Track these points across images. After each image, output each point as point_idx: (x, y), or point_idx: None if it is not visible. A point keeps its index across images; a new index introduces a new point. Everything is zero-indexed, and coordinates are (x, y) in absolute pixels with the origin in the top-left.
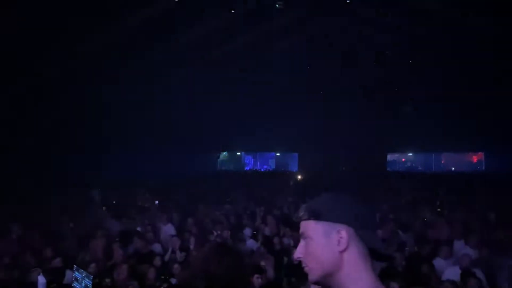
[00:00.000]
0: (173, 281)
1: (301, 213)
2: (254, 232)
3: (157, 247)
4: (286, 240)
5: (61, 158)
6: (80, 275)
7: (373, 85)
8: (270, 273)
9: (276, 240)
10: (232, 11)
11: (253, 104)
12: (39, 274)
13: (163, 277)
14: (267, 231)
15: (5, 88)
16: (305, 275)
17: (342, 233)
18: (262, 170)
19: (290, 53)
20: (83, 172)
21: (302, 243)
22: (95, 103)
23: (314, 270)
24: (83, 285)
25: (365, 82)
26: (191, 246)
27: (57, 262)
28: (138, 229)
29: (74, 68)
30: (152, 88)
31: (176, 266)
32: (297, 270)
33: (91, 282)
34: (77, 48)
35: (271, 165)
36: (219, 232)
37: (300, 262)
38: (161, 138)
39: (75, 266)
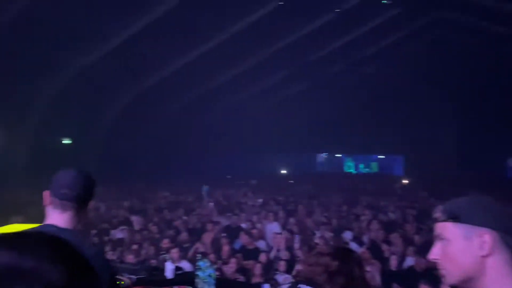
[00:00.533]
0: (279, 278)
1: (438, 214)
2: (356, 236)
3: (261, 244)
4: (393, 248)
5: (175, 158)
6: (204, 264)
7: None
8: (377, 279)
9: (385, 246)
10: (337, 11)
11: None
12: (167, 261)
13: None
14: (371, 236)
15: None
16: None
17: (485, 237)
18: (363, 172)
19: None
20: (192, 170)
21: (438, 245)
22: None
23: (451, 273)
24: (207, 273)
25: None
26: (296, 245)
27: (175, 252)
28: (243, 225)
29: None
30: (252, 90)
31: (282, 263)
32: (404, 280)
33: (214, 272)
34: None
35: (373, 168)
36: (321, 233)
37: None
38: (266, 140)
39: (199, 255)
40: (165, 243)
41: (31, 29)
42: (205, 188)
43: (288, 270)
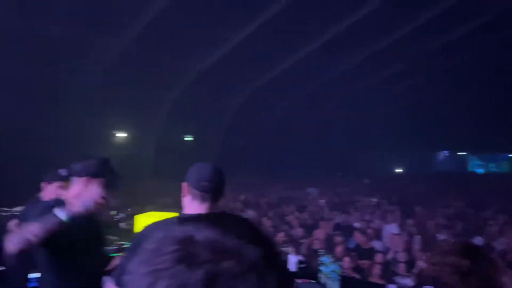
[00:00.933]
0: (401, 280)
1: None
2: (487, 243)
3: (377, 244)
4: None
5: (288, 154)
6: (327, 259)
7: None
8: None
9: None
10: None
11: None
12: (289, 253)
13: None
14: (503, 242)
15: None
16: None
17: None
18: (490, 172)
19: None
20: (304, 166)
21: None
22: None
23: None
24: (330, 269)
25: None
26: (416, 247)
27: (289, 247)
28: (356, 224)
29: None
30: (364, 85)
31: (401, 265)
32: None
33: (339, 267)
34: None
35: (503, 167)
36: (444, 237)
37: None
38: (379, 137)
39: (322, 250)
40: (281, 236)
41: (154, 41)
42: (313, 189)
43: (407, 273)
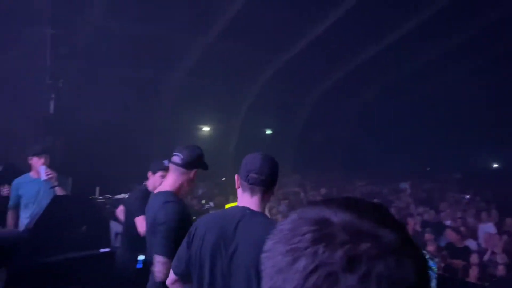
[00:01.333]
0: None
1: None
2: None
3: (471, 244)
4: None
5: (371, 148)
6: (434, 265)
7: None
8: None
9: None
10: None
11: None
12: None
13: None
14: None
15: None
16: None
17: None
18: None
19: None
20: (389, 160)
21: None
22: None
23: None
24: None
25: None
26: None
27: None
28: (447, 222)
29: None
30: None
31: (500, 267)
32: None
33: (436, 265)
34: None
35: None
36: None
37: None
38: (473, 130)
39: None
40: None
41: (237, 36)
42: (402, 184)
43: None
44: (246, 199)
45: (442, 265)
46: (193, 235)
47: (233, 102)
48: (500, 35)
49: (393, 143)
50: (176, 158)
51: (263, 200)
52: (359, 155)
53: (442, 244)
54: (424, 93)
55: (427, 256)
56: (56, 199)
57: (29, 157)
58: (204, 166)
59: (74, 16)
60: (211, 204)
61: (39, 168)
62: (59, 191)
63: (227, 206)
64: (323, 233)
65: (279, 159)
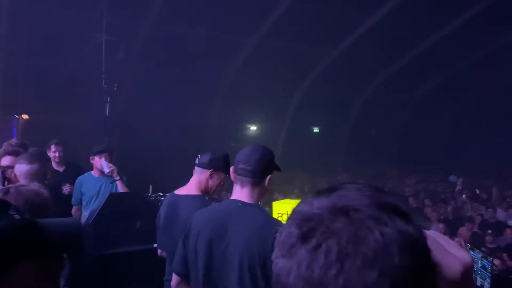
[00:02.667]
0: None
1: None
2: None
3: None
4: None
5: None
6: (476, 255)
7: None
8: None
9: None
10: None
11: None
12: None
13: None
14: None
15: None
16: None
17: None
18: None
19: None
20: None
21: None
22: None
23: None
24: (479, 265)
25: None
26: None
27: None
28: (509, 222)
29: None
30: None
31: None
32: None
33: (490, 264)
34: None
35: None
36: None
37: None
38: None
39: (468, 244)
40: None
41: (285, 32)
42: (453, 177)
43: None
44: (237, 192)
45: (503, 267)
46: (188, 232)
47: (281, 100)
48: None
49: (451, 139)
50: (202, 161)
51: (254, 191)
52: (414, 151)
53: (502, 245)
54: (484, 86)
55: (479, 255)
56: (112, 196)
57: (91, 157)
58: (223, 169)
59: (129, 22)
60: (259, 203)
61: (101, 163)
62: (120, 186)
63: (276, 203)
64: (300, 214)
65: (328, 157)
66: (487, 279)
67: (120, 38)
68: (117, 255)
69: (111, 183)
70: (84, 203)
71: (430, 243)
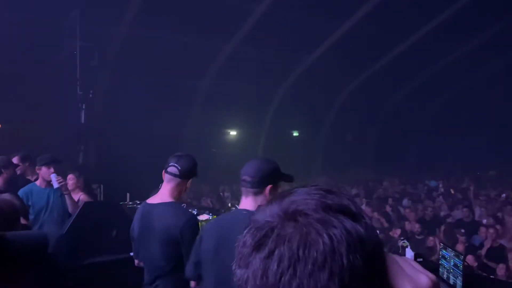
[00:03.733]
0: None
1: None
2: None
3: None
4: None
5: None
6: (448, 254)
7: None
8: None
9: None
10: None
11: None
12: (407, 247)
13: None
14: None
15: None
16: None
17: None
18: None
19: None
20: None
21: None
22: None
23: None
24: (452, 263)
25: None
26: None
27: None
28: (483, 221)
29: None
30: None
31: None
32: None
33: (462, 262)
34: None
35: None
36: None
37: None
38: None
39: (442, 244)
40: (397, 232)
41: (261, 39)
42: (433, 182)
43: None
44: (243, 201)
45: (476, 264)
46: (201, 240)
47: (260, 106)
48: None
49: (425, 142)
50: (173, 169)
51: (257, 200)
52: (391, 155)
53: (476, 243)
54: (457, 90)
55: (451, 254)
56: (87, 204)
57: (37, 167)
58: (196, 175)
59: (103, 28)
60: (237, 206)
61: (51, 176)
62: (69, 201)
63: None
64: (253, 223)
65: (308, 161)
66: (459, 277)
67: (95, 44)
68: (93, 265)
69: (60, 196)
70: (31, 216)
71: (390, 264)
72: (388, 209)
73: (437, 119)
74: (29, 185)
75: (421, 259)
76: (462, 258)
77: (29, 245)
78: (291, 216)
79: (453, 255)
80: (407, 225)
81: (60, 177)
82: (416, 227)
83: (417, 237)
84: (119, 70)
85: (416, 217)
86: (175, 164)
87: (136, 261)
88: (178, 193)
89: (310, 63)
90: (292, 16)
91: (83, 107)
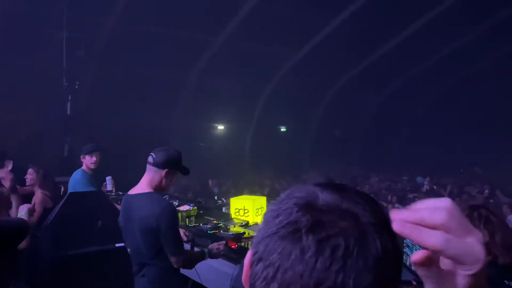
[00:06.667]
0: None
1: None
2: None
3: None
4: None
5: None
6: (411, 242)
7: None
8: None
9: None
10: None
11: None
12: None
13: None
14: None
15: None
16: None
17: None
18: None
19: None
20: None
21: None
22: None
23: None
24: (414, 250)
25: None
26: None
27: None
28: None
29: None
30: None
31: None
32: None
33: (420, 249)
34: None
35: None
36: None
37: None
38: (493, 120)
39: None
40: None
41: (251, 34)
42: (419, 178)
43: None
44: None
45: None
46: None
47: (248, 101)
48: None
49: (414, 138)
50: (149, 158)
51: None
52: (378, 150)
53: None
54: (444, 86)
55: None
56: (72, 195)
57: (82, 156)
58: (178, 168)
59: (91, 19)
60: (223, 200)
61: (106, 178)
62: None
63: (233, 199)
64: (304, 201)
65: (295, 156)
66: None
67: (82, 35)
68: (78, 256)
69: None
70: None
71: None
72: None
73: (423, 117)
74: (78, 171)
75: None
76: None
77: (12, 228)
78: (348, 211)
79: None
80: None
81: (113, 182)
82: None
83: None
84: (107, 62)
85: None
86: (152, 154)
87: (129, 250)
88: (157, 184)
89: (298, 59)
90: (281, 12)
91: (69, 98)
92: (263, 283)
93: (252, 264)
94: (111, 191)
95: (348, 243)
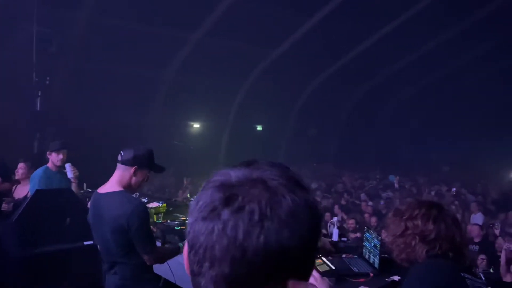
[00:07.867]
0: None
1: None
2: None
3: None
4: None
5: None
6: (370, 236)
7: None
8: None
9: None
10: None
11: None
12: (334, 226)
13: None
14: None
15: None
16: None
17: None
18: None
19: None
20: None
21: None
22: None
23: None
24: (372, 244)
25: None
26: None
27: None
28: None
29: None
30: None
31: (482, 257)
32: None
33: (379, 243)
34: None
35: None
36: None
37: None
38: (465, 123)
39: (365, 227)
40: (351, 223)
41: (227, 31)
42: (391, 177)
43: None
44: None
45: None
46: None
47: (224, 99)
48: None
49: (387, 137)
50: (119, 156)
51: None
52: (353, 149)
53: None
54: (418, 86)
55: (372, 235)
56: (39, 192)
57: (48, 152)
58: (148, 165)
59: (62, 14)
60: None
61: (65, 166)
62: (74, 188)
63: None
64: (219, 183)
65: (271, 155)
66: (377, 256)
67: (53, 29)
68: (45, 254)
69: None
70: None
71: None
72: (343, 202)
73: (397, 115)
74: (42, 168)
75: (345, 239)
76: (380, 239)
77: None
78: (258, 179)
79: (374, 236)
80: (366, 218)
81: (74, 168)
82: (373, 220)
83: (373, 230)
84: (80, 58)
85: (372, 211)
86: (121, 152)
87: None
88: (127, 182)
89: (275, 58)
90: (258, 9)
91: (39, 94)
92: (197, 266)
93: (189, 253)
94: (72, 178)
95: (261, 206)
